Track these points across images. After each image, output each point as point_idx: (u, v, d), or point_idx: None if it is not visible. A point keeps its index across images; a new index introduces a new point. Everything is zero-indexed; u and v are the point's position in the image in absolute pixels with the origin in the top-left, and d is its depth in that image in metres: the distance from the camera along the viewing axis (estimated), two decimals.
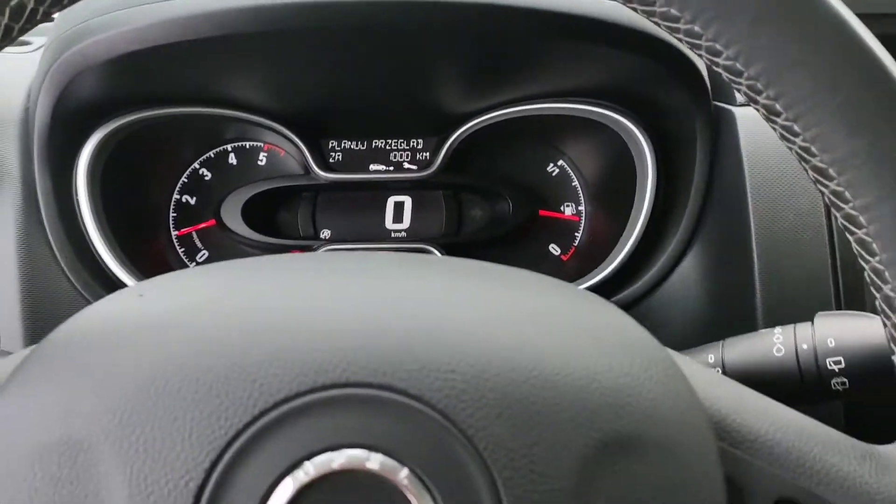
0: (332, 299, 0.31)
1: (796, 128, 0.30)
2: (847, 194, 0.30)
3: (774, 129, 0.31)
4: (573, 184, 0.69)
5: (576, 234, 0.68)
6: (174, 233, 0.67)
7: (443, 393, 0.28)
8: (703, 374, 0.33)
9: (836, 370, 0.41)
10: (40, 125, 0.57)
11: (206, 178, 0.68)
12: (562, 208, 0.69)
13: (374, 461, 0.27)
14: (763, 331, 0.44)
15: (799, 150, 0.30)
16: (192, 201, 0.67)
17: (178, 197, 0.67)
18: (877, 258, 0.30)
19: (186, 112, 0.62)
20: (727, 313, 0.57)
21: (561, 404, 0.28)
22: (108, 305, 0.32)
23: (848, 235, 0.31)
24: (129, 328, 0.30)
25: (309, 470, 0.27)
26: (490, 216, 0.68)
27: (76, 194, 0.59)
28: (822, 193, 0.31)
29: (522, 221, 0.67)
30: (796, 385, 0.42)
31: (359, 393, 0.28)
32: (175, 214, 0.67)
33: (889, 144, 0.29)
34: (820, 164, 0.30)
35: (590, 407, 0.28)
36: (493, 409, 0.28)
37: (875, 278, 0.31)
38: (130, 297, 0.32)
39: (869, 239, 0.30)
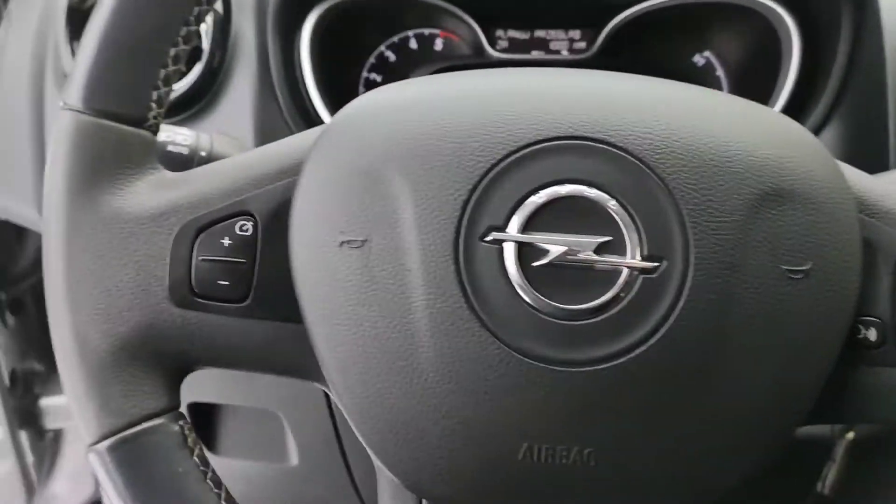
0: (561, 79, 0.40)
1: None
2: None
3: None
4: (717, 73, 0.76)
5: None
6: None
7: (643, 146, 0.37)
8: (851, 168, 0.41)
9: None
10: (273, 3, 0.68)
11: (391, 60, 0.79)
12: None
13: (591, 192, 0.37)
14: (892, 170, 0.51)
15: None
16: (379, 79, 0.78)
17: (366, 75, 0.78)
18: None
19: None
20: None
21: (733, 161, 0.37)
22: (384, 89, 0.42)
23: None
24: (405, 97, 0.40)
25: (542, 195, 0.37)
26: None
27: (299, 63, 0.70)
28: None
29: None
30: None
31: (581, 144, 0.37)
32: (364, 90, 0.78)
33: None
34: None
35: (756, 166, 0.37)
36: (681, 160, 0.37)
37: None
38: (398, 85, 0.42)
39: None
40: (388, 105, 0.40)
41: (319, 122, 0.70)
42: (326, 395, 0.76)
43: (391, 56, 0.78)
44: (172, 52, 0.40)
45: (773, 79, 0.70)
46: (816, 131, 0.66)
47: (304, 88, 0.70)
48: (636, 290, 0.36)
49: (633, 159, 0.37)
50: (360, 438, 0.39)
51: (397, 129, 0.39)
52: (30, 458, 1.27)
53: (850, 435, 0.67)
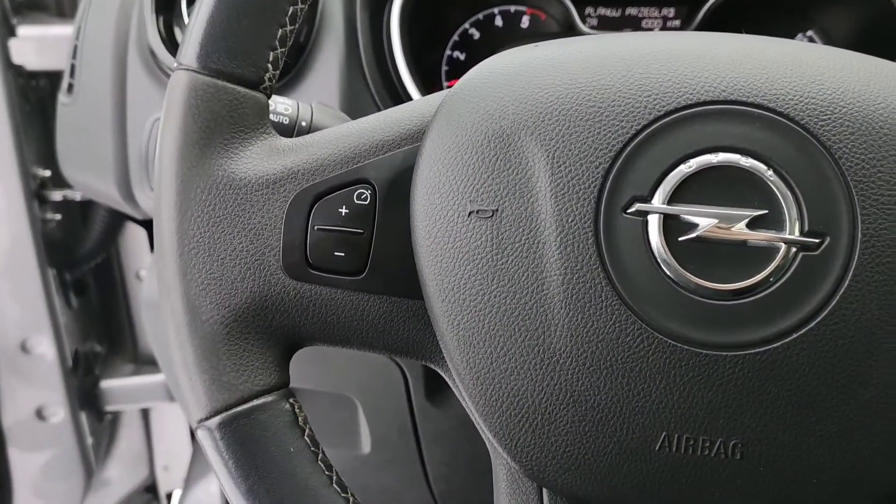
0: (711, 40, 0.37)
1: None
2: None
3: None
4: None
5: None
6: (445, 84, 0.76)
7: (805, 112, 0.34)
8: None
9: None
10: None
11: (475, 38, 0.76)
12: None
13: (746, 161, 0.34)
14: None
15: None
16: (462, 57, 0.76)
17: (449, 53, 0.76)
18: None
19: None
20: None
21: None
22: (515, 50, 0.39)
23: None
24: (540, 57, 0.38)
25: (691, 164, 0.34)
26: None
27: (388, 39, 0.68)
28: None
29: None
30: None
31: (735, 109, 0.34)
32: (447, 68, 0.76)
33: None
34: None
35: None
36: (848, 127, 0.33)
37: None
38: (531, 46, 0.40)
39: None
40: (522, 65, 0.37)
41: (407, 98, 0.68)
42: (405, 383, 0.74)
43: (475, 34, 0.76)
44: (290, 9, 0.38)
45: (891, 54, 0.66)
46: None
47: (391, 65, 0.68)
48: (794, 268, 0.33)
49: (794, 126, 0.34)
50: (480, 422, 0.37)
51: (532, 90, 0.36)
52: (89, 441, 1.28)
53: None
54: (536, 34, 0.75)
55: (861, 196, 0.33)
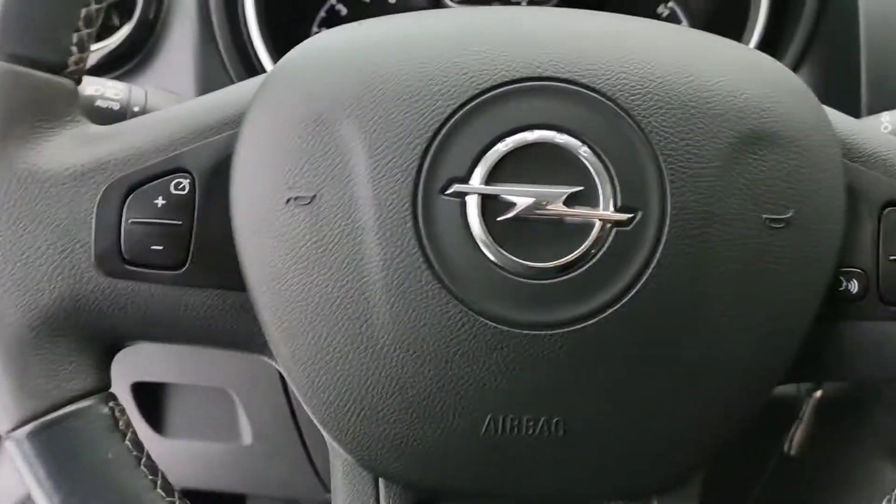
0: (526, 16, 0.37)
1: None
2: None
3: None
4: (682, 24, 0.73)
5: None
6: None
7: (617, 87, 0.34)
8: (834, 111, 0.38)
9: None
10: None
11: (342, 14, 0.74)
12: None
13: (561, 138, 0.34)
14: (874, 115, 0.49)
15: None
16: None
17: (316, 30, 0.74)
18: None
19: None
20: None
21: (713, 103, 0.34)
22: (332, 31, 0.38)
23: None
24: (356, 38, 0.37)
25: (508, 143, 0.34)
26: None
27: (244, 16, 0.65)
28: None
29: None
30: None
31: (549, 85, 0.34)
32: None
33: None
34: None
35: (737, 107, 0.34)
36: (657, 102, 0.34)
37: None
38: (347, 26, 0.39)
39: None
40: (338, 47, 0.36)
41: None
42: (280, 372, 0.73)
43: (342, 9, 0.74)
44: None
45: (739, 29, 0.68)
46: None
47: (249, 44, 0.65)
48: (609, 244, 0.34)
49: (606, 101, 0.34)
50: (310, 413, 0.36)
51: (348, 72, 0.35)
52: None
53: (818, 393, 0.66)
54: (405, 9, 0.74)
55: (670, 170, 0.33)
